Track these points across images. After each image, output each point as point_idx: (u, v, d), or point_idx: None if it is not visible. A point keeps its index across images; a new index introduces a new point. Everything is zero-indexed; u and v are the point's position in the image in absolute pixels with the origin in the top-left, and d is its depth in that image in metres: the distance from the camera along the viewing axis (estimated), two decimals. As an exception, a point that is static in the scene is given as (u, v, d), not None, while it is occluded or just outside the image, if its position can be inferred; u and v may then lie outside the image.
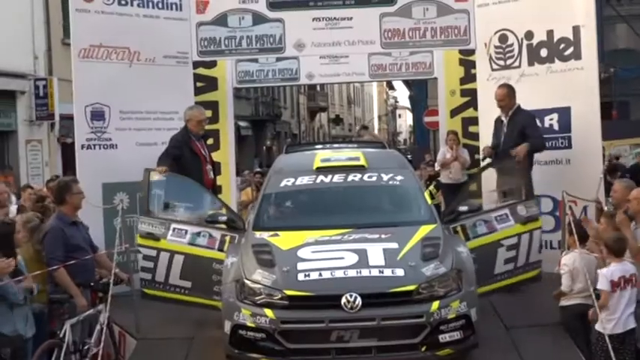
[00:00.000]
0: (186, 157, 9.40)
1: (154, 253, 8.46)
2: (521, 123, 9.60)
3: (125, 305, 8.17)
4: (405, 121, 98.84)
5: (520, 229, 8.42)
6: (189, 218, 8.74)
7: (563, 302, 7.63)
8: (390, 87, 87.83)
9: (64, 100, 19.02)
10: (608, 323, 6.82)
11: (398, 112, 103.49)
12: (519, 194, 8.79)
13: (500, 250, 8.39)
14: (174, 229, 8.45)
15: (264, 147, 44.78)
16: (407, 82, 37.71)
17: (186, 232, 8.44)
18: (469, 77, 11.20)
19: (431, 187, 12.83)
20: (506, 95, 9.78)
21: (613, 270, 6.92)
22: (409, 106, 53.53)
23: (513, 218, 8.42)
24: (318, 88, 58.42)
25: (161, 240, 8.44)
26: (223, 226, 8.35)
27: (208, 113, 10.95)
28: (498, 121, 9.91)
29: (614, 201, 8.34)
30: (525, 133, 9.48)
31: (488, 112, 10.53)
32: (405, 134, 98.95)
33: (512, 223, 8.41)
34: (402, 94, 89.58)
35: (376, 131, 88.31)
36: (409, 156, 15.14)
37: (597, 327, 6.87)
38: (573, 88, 10.04)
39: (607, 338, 6.66)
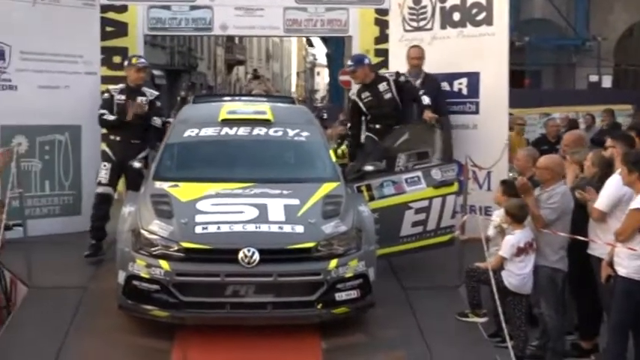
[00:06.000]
0: None
1: None
2: (436, 90, 9.68)
3: (18, 251, 7.92)
4: (323, 78, 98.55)
5: (432, 193, 8.43)
6: None
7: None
8: (310, 44, 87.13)
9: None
10: (511, 278, 7.11)
11: (316, 69, 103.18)
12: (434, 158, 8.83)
13: (408, 212, 8.42)
14: None
15: (179, 97, 44.12)
16: (324, 40, 37.56)
17: None
18: (384, 37, 11.17)
19: (343, 147, 12.74)
20: (423, 56, 9.93)
21: (520, 237, 7.14)
22: (327, 63, 53.34)
23: (425, 181, 8.45)
24: (237, 41, 57.69)
25: None
26: None
27: (117, 59, 10.69)
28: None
29: (517, 168, 8.47)
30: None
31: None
32: (322, 92, 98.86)
33: (424, 186, 8.43)
34: (320, 51, 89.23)
35: (293, 88, 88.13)
36: (325, 114, 14.98)
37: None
38: (483, 54, 10.05)
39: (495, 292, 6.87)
